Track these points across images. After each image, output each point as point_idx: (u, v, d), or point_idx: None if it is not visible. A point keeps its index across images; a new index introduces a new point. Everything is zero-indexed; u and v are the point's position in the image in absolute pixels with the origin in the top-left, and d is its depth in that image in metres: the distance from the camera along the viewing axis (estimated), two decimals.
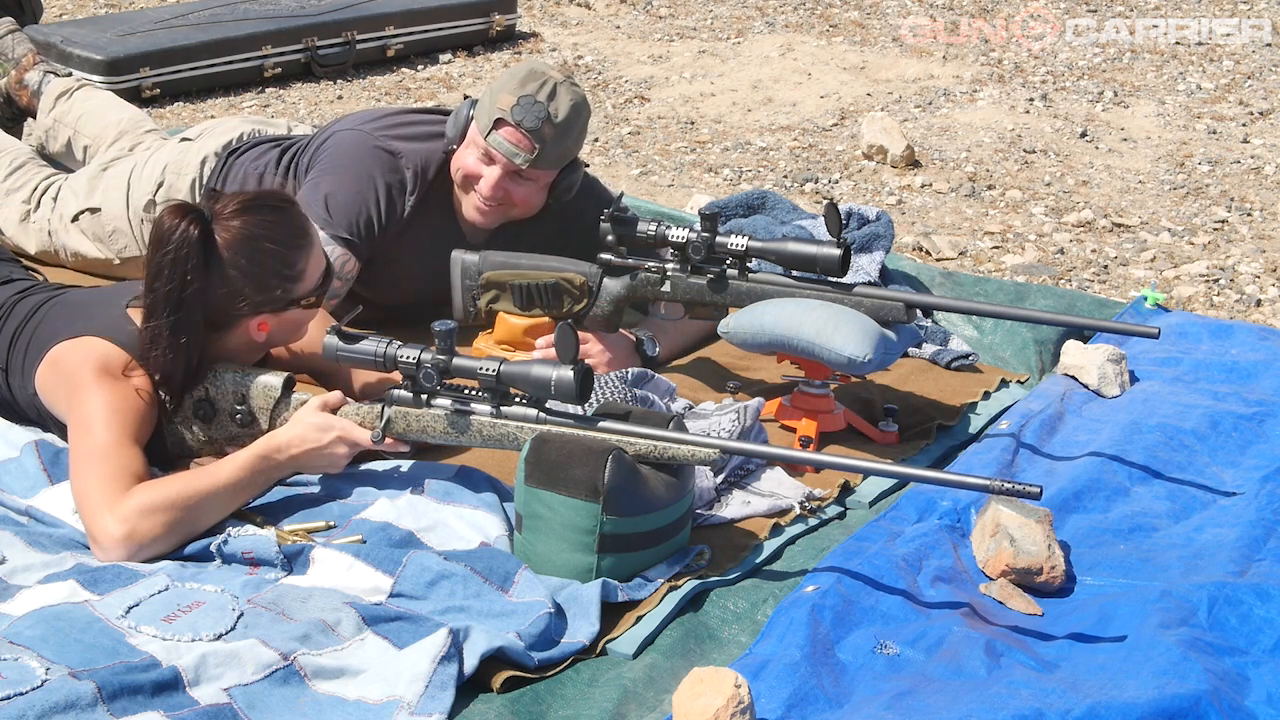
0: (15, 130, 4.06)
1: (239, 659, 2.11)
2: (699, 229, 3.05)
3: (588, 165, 3.31)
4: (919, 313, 3.38)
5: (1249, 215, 4.94)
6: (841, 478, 2.81)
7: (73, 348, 2.60)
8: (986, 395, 3.28)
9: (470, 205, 3.21)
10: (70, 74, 4.16)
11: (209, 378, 2.62)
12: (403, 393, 2.58)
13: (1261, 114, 5.96)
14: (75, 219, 3.51)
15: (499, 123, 3.09)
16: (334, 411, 2.59)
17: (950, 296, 3.70)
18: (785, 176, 5.22)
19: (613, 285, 3.13)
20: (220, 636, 2.20)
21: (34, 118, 4.02)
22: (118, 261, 3.49)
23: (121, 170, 3.53)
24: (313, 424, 2.55)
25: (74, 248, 3.52)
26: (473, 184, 3.18)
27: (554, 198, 3.23)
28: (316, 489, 2.65)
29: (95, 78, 5.17)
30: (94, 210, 3.51)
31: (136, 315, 2.62)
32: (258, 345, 2.69)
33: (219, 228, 2.56)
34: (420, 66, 6.28)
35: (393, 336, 2.60)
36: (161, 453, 2.64)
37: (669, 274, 3.11)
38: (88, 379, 2.54)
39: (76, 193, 3.55)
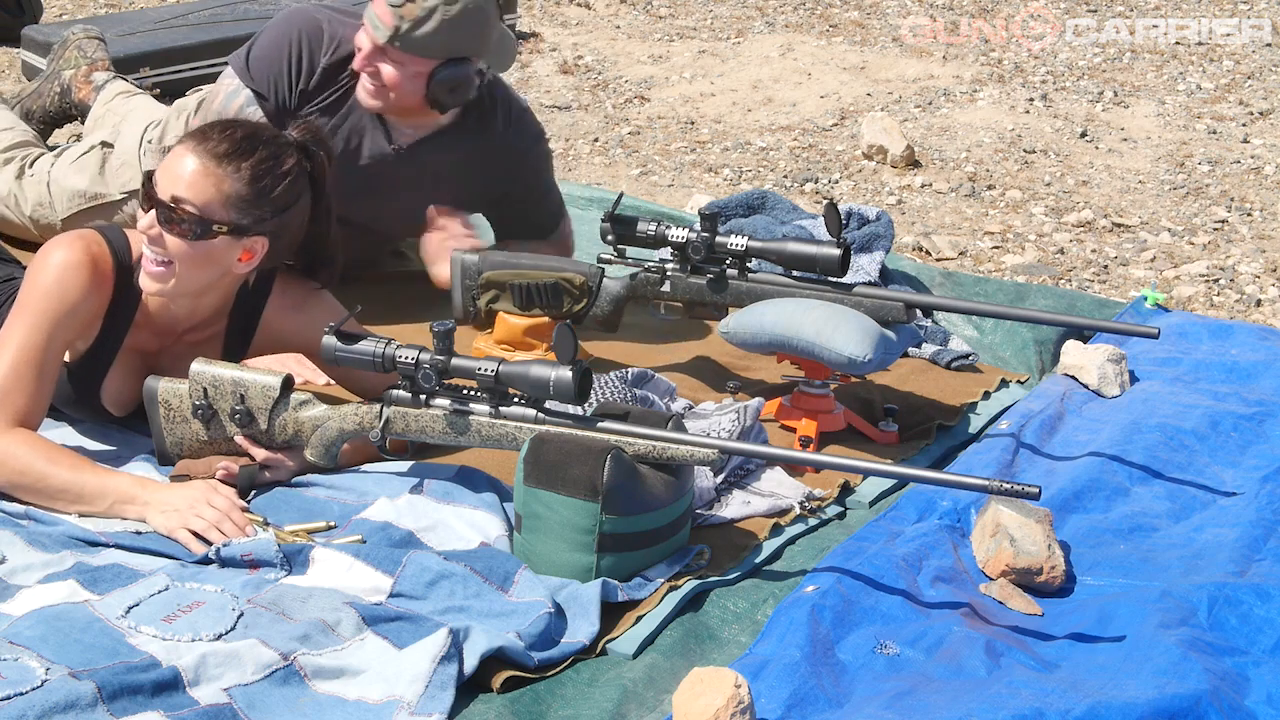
0: (46, 135, 4.10)
1: (239, 659, 2.11)
2: (699, 229, 3.05)
3: (484, 72, 3.33)
4: (919, 313, 3.38)
5: (1249, 215, 4.95)
6: (841, 478, 2.81)
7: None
8: (986, 395, 3.28)
9: (361, 83, 3.26)
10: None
11: (209, 378, 2.62)
12: (402, 393, 2.58)
13: (1261, 114, 5.96)
14: (88, 151, 3.59)
15: None
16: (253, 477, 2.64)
17: (950, 296, 3.70)
18: (785, 176, 5.22)
19: (613, 285, 3.13)
20: (220, 636, 2.20)
21: (82, 119, 4.06)
22: (117, 195, 3.54)
23: (140, 117, 3.69)
24: (189, 496, 2.52)
25: (71, 185, 3.55)
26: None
27: (432, 93, 3.22)
28: (317, 489, 2.65)
29: None
30: (108, 145, 3.61)
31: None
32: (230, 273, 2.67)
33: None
34: None
35: (391, 336, 2.61)
36: (91, 374, 2.69)
37: (669, 274, 3.11)
38: (51, 266, 2.58)
39: (90, 132, 3.69)
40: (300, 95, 3.29)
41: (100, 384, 2.71)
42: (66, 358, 2.67)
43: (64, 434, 2.77)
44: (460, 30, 3.18)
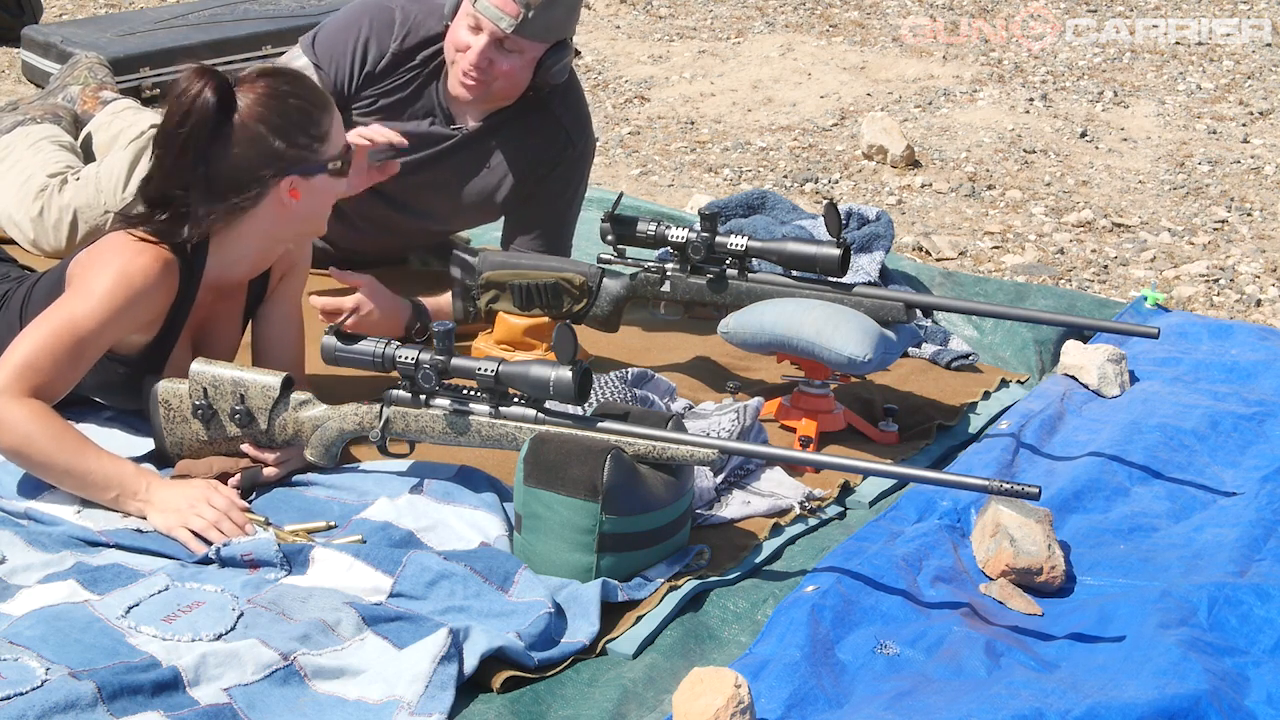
0: None
1: (239, 659, 2.11)
2: (699, 229, 3.05)
3: (579, 53, 3.34)
4: (919, 313, 3.38)
5: (1249, 215, 4.95)
6: (841, 478, 2.81)
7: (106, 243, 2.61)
8: (986, 395, 3.28)
9: (455, 77, 3.26)
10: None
11: (209, 378, 2.62)
12: (401, 393, 2.58)
13: (1261, 114, 5.96)
14: (136, 138, 3.61)
15: None
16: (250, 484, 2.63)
17: (950, 296, 3.70)
18: (785, 176, 5.22)
19: (613, 285, 3.13)
20: (220, 636, 2.20)
21: (76, 129, 4.08)
22: None
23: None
24: (190, 495, 2.52)
25: (118, 170, 3.56)
26: (460, 55, 3.22)
27: (539, 78, 3.25)
28: (317, 489, 2.65)
29: None
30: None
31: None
32: (288, 219, 2.65)
33: (243, 91, 2.57)
34: None
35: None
36: (155, 361, 2.67)
37: (669, 274, 3.11)
38: (112, 265, 2.54)
39: (98, 130, 3.74)
40: (366, 78, 3.31)
41: (162, 370, 2.71)
42: (123, 350, 2.66)
43: None
44: (574, 11, 3.23)
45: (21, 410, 2.47)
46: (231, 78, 2.59)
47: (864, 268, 3.58)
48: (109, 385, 2.71)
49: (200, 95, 2.52)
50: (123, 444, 2.72)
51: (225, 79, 2.56)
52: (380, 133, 3.05)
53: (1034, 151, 5.48)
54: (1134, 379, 3.36)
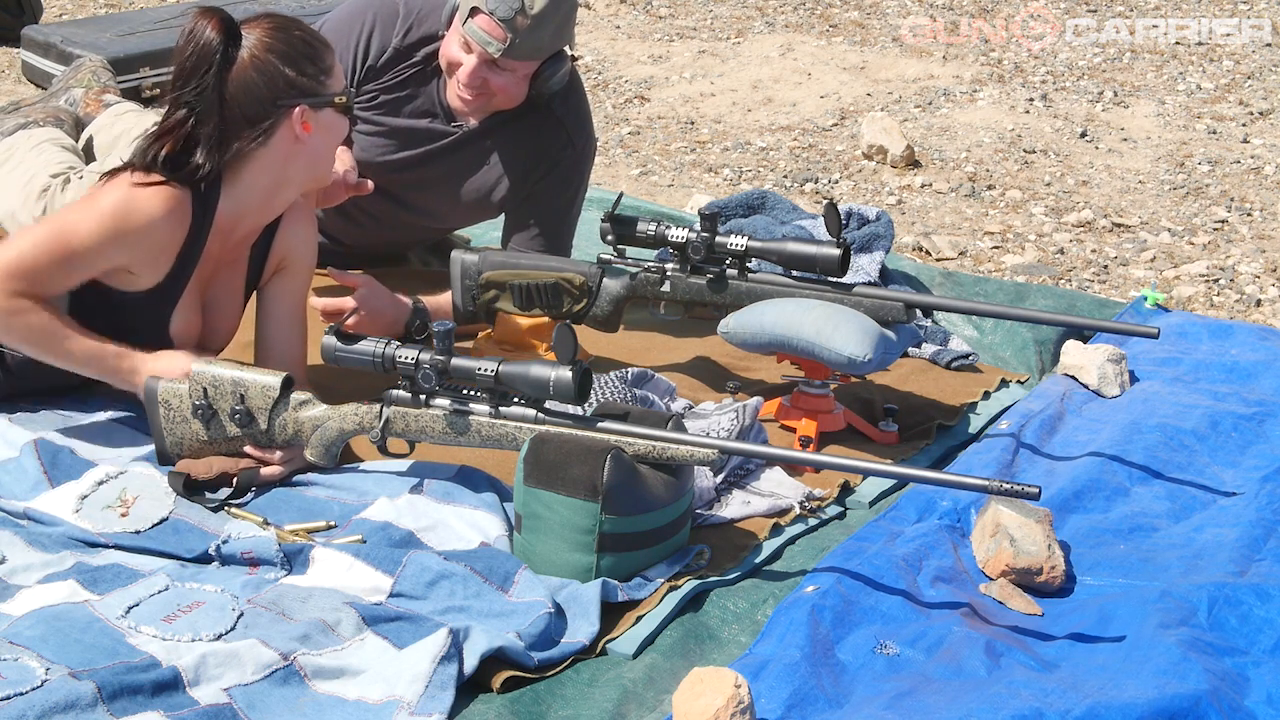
0: None
1: (239, 659, 2.11)
2: (699, 229, 3.05)
3: (577, 57, 3.34)
4: (919, 313, 3.38)
5: (1249, 215, 4.95)
6: (841, 478, 2.81)
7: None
8: (986, 395, 3.28)
9: (453, 92, 3.27)
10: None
11: (209, 378, 2.62)
12: (401, 393, 2.58)
13: (1261, 114, 5.96)
14: (145, 133, 3.61)
15: (474, 11, 3.13)
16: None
17: (950, 296, 3.70)
18: (785, 176, 5.22)
19: (613, 285, 3.13)
20: (220, 636, 2.20)
21: (77, 131, 4.10)
22: None
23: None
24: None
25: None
26: (454, 71, 3.23)
27: (536, 89, 3.26)
28: (317, 489, 2.65)
29: None
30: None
31: None
32: (298, 156, 2.69)
33: (248, 29, 2.62)
34: None
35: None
36: (163, 305, 2.70)
37: (669, 274, 3.11)
38: (119, 189, 2.59)
39: (98, 132, 3.72)
40: (367, 72, 3.31)
41: (170, 317, 2.72)
42: (131, 288, 2.67)
43: (53, 430, 2.77)
44: (565, 26, 3.23)
45: (7, 306, 2.53)
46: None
47: (864, 268, 3.58)
48: (118, 335, 2.71)
49: (213, 31, 2.57)
50: (125, 445, 2.73)
51: (230, 15, 2.61)
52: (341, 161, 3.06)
53: (1034, 151, 5.48)
54: (1134, 379, 3.36)
